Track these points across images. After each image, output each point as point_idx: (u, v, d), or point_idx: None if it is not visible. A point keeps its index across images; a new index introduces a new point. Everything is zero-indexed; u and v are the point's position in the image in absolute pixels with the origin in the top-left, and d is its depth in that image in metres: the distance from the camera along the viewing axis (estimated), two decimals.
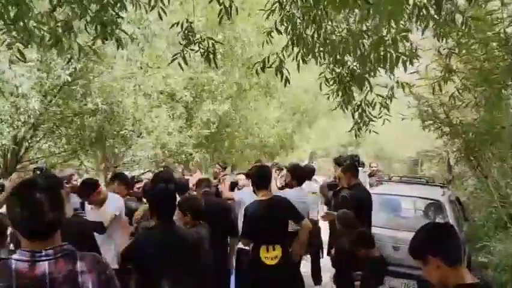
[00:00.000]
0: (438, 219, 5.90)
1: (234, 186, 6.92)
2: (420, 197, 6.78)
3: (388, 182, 8.32)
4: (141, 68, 9.65)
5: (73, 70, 7.83)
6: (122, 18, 3.45)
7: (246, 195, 5.49)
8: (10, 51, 3.04)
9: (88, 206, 4.52)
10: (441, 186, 7.24)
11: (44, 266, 1.59)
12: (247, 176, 6.30)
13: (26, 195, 1.61)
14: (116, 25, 3.29)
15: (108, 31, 3.26)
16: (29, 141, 9.46)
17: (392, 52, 3.09)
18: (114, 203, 4.31)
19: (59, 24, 3.20)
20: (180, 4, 11.30)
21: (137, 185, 6.22)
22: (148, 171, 11.35)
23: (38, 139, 9.86)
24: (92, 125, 9.43)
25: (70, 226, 2.63)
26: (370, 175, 10.62)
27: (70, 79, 7.85)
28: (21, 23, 2.63)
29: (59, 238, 1.67)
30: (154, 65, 10.42)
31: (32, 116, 7.85)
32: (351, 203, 4.99)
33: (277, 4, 4.13)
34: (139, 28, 8.15)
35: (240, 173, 7.48)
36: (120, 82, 9.14)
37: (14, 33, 2.73)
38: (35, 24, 2.81)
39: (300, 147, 23.11)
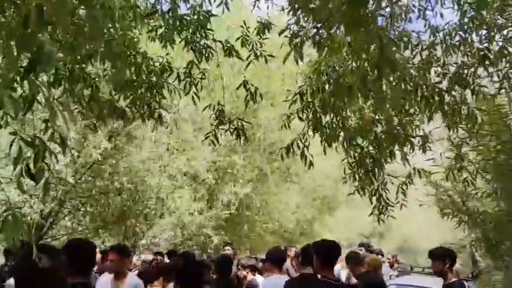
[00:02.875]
0: None
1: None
2: None
3: (409, 273, 8.11)
4: (168, 149, 10.12)
5: (104, 149, 8.32)
6: (165, 98, 3.88)
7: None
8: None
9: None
10: (466, 280, 6.98)
11: None
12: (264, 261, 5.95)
13: None
14: (159, 105, 3.73)
15: (153, 111, 3.70)
16: (54, 218, 9.73)
17: (401, 133, 3.33)
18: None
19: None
20: (207, 93, 12.13)
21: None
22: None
23: (63, 215, 10.13)
24: (116, 204, 9.70)
25: None
26: (391, 266, 10.62)
27: (100, 158, 8.29)
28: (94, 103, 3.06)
29: None
30: (180, 147, 10.94)
31: (61, 192, 8.20)
32: None
33: (297, 96, 4.52)
34: (168, 113, 8.72)
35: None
36: (147, 163, 9.57)
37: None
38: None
39: (320, 235, 22.68)
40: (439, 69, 3.51)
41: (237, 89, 4.02)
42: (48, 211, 9.08)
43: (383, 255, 11.16)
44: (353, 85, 2.94)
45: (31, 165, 1.83)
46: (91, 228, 10.54)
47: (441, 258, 4.27)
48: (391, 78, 3.07)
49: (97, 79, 3.24)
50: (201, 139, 11.22)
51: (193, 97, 3.92)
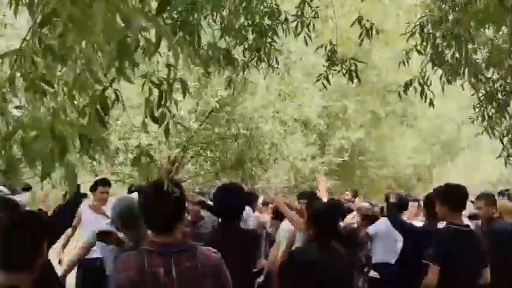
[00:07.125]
0: None
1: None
2: None
3: None
4: (280, 95, 10.27)
5: (220, 98, 8.76)
6: (276, 42, 3.90)
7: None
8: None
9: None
10: None
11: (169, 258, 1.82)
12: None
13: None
14: (270, 49, 3.76)
15: (268, 54, 3.76)
16: (180, 162, 10.67)
17: None
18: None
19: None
20: (316, 35, 11.83)
21: None
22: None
23: (187, 161, 11.06)
24: (234, 149, 10.26)
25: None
26: None
27: (217, 106, 8.75)
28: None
29: (180, 235, 1.91)
30: (291, 93, 10.99)
31: (184, 139, 8.91)
32: None
33: (417, 27, 4.18)
34: (278, 59, 8.77)
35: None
36: (260, 110, 9.86)
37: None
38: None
39: (440, 182, 21.50)
40: None
41: (351, 25, 3.84)
42: (174, 156, 9.99)
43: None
44: (487, 7, 2.60)
45: (155, 110, 1.95)
46: (211, 172, 11.38)
47: None
48: None
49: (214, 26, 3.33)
50: (311, 85, 11.18)
51: (305, 38, 3.85)
